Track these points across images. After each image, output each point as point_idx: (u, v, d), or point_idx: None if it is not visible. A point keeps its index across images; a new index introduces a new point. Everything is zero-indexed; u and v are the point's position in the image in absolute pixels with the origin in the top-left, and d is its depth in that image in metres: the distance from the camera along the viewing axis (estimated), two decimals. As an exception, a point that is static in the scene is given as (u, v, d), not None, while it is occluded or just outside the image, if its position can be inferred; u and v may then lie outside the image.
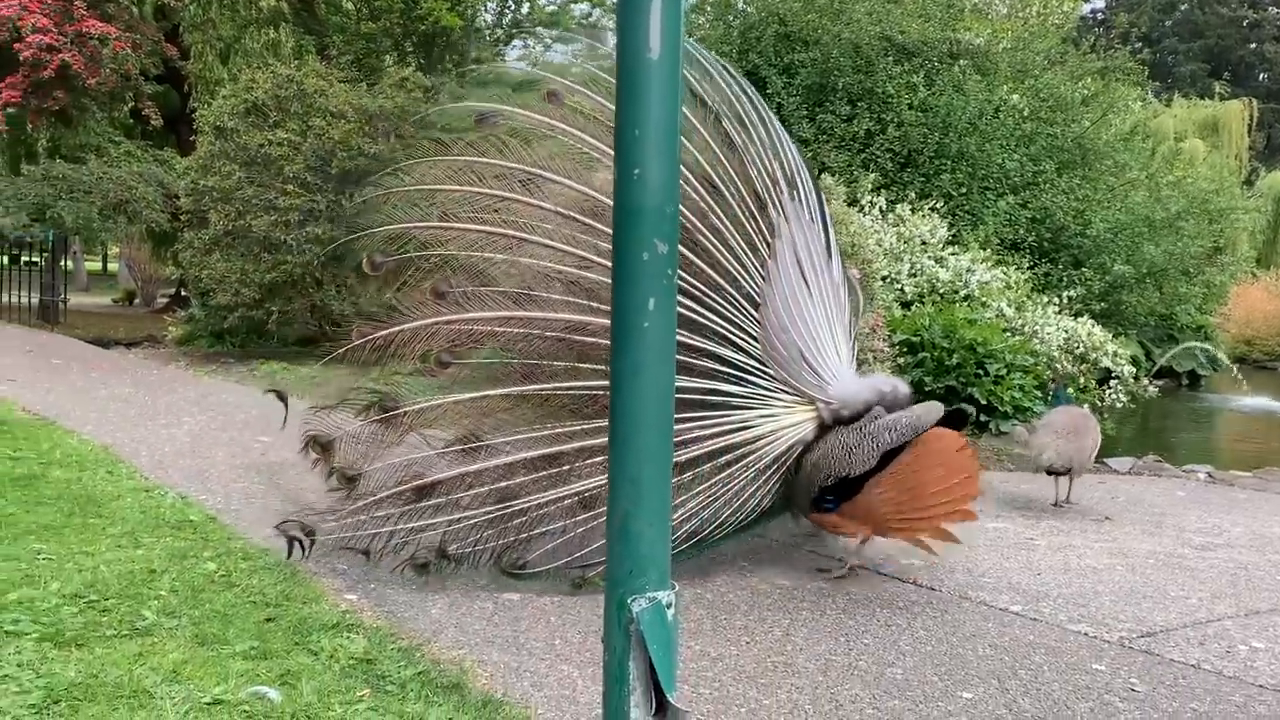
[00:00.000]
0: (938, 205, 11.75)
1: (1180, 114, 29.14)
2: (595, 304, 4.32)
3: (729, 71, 5.02)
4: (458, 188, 4.58)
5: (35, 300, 19.33)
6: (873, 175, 12.19)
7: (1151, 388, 10.52)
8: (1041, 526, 5.92)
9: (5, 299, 20.27)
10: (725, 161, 4.71)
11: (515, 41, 22.31)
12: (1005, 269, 10.98)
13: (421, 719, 2.97)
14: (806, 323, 4.58)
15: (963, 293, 10.19)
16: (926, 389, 8.25)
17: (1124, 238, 13.48)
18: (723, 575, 4.64)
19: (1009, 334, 9.42)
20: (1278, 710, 3.37)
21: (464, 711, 3.05)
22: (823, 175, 11.21)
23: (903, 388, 4.60)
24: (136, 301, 25.92)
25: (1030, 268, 12.33)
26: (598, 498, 4.22)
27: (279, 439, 7.55)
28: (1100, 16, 44.07)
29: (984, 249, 11.40)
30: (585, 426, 4.29)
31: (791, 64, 13.80)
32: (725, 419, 4.43)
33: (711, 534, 4.49)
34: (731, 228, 4.61)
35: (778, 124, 5.02)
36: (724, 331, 4.50)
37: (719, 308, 4.51)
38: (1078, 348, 9.82)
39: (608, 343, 1.81)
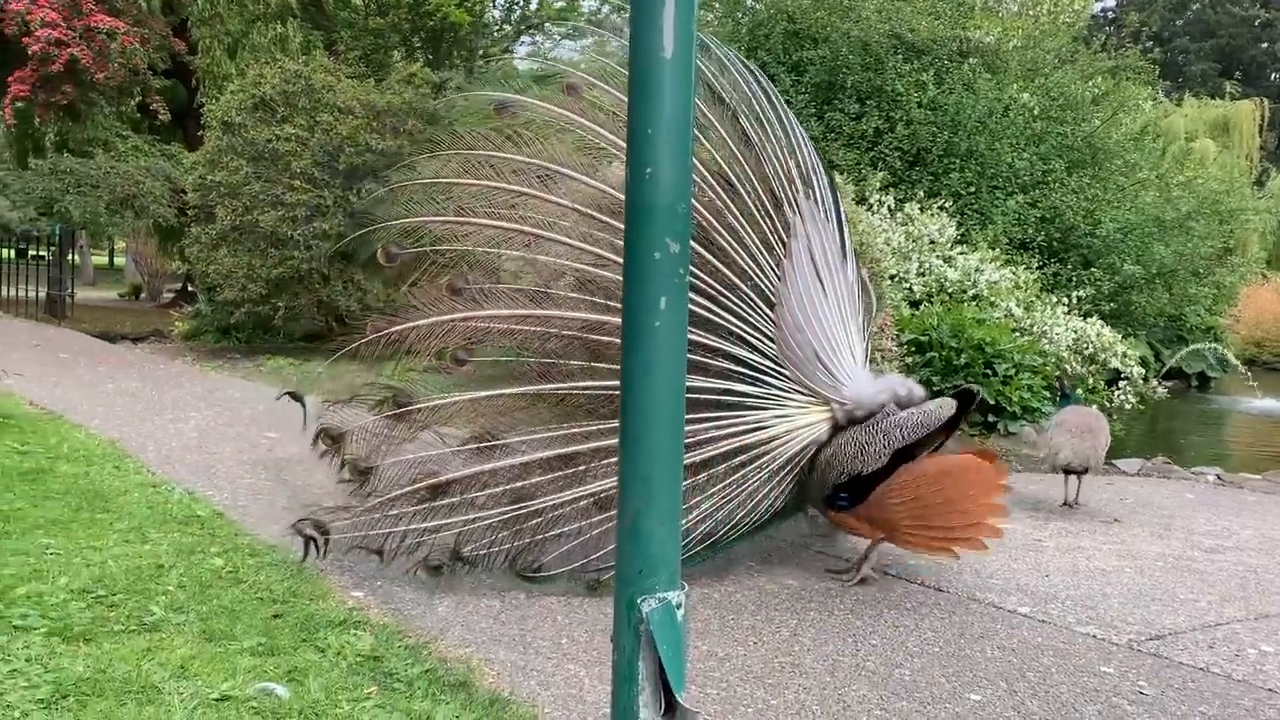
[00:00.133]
0: (946, 204, 11.71)
1: (1191, 114, 29.02)
2: (612, 303, 4.28)
3: (747, 66, 4.99)
4: (475, 182, 4.54)
5: (42, 294, 19.37)
6: (881, 174, 12.16)
7: (1160, 389, 10.49)
8: (1050, 528, 5.90)
9: (12, 293, 20.34)
10: (742, 159, 4.69)
11: (523, 37, 22.32)
12: (1014, 268, 10.95)
13: (429, 717, 2.97)
14: (821, 323, 4.55)
15: (971, 292, 10.16)
16: (934, 389, 8.21)
17: (1134, 238, 13.43)
18: (730, 575, 4.63)
19: (1018, 334, 9.40)
20: (1288, 715, 3.35)
21: (471, 709, 3.04)
22: (831, 173, 11.18)
23: (917, 390, 4.58)
24: (142, 296, 25.96)
25: (1039, 267, 12.29)
26: (613, 499, 4.20)
27: (286, 435, 7.57)
28: (1111, 15, 43.90)
29: (993, 248, 11.36)
30: (601, 426, 4.26)
31: (800, 61, 13.77)
32: (740, 419, 4.41)
33: (726, 535, 4.47)
34: (747, 226, 4.59)
35: (794, 121, 4.98)
36: (739, 331, 4.47)
37: (734, 307, 4.49)
38: (1087, 348, 9.78)
39: (623, 342, 1.80)
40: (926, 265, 10.31)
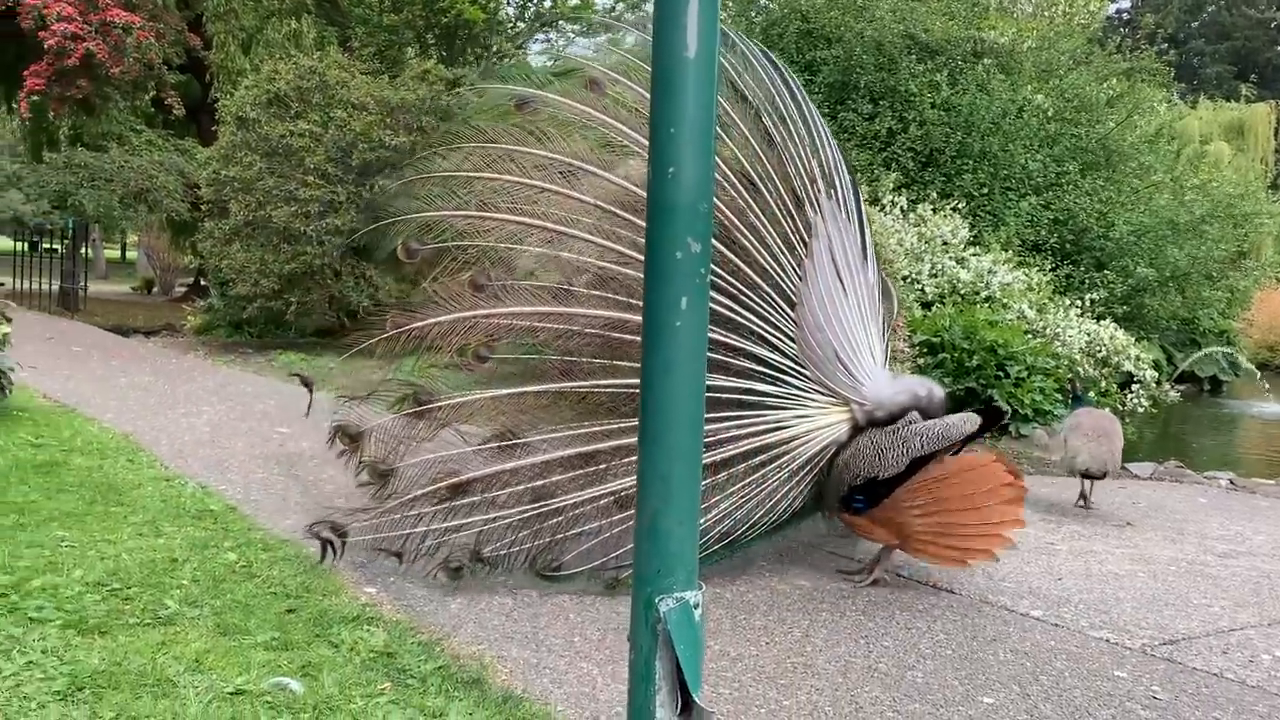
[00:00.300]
0: (959, 205, 11.68)
1: (1206, 116, 28.87)
2: (634, 301, 4.27)
3: (771, 61, 4.96)
4: (497, 176, 4.51)
5: (55, 287, 19.46)
6: (894, 174, 12.14)
7: (1173, 393, 10.44)
8: (1062, 531, 5.88)
9: (25, 286, 20.43)
10: (764, 158, 4.67)
11: (537, 35, 22.33)
12: (1027, 270, 10.91)
13: (443, 713, 2.97)
14: (842, 323, 4.54)
15: (984, 294, 10.13)
16: (946, 391, 8.20)
17: (1147, 240, 13.38)
18: (742, 575, 4.62)
19: (1030, 336, 9.36)
20: (1303, 722, 3.34)
21: (485, 707, 3.05)
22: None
23: (938, 391, 4.56)
24: (155, 290, 26.05)
25: (1052, 269, 12.25)
26: (633, 498, 4.19)
27: (298, 430, 7.60)
28: (1126, 17, 43.72)
29: (1005, 250, 11.32)
30: (622, 425, 4.26)
31: (813, 61, 13.74)
32: (760, 419, 4.40)
33: (744, 535, 4.46)
34: (769, 226, 4.58)
35: (819, 119, 4.95)
36: (760, 330, 4.47)
37: (755, 306, 4.48)
38: (1100, 351, 9.75)
39: (646, 341, 1.80)
40: (939, 266, 10.28)
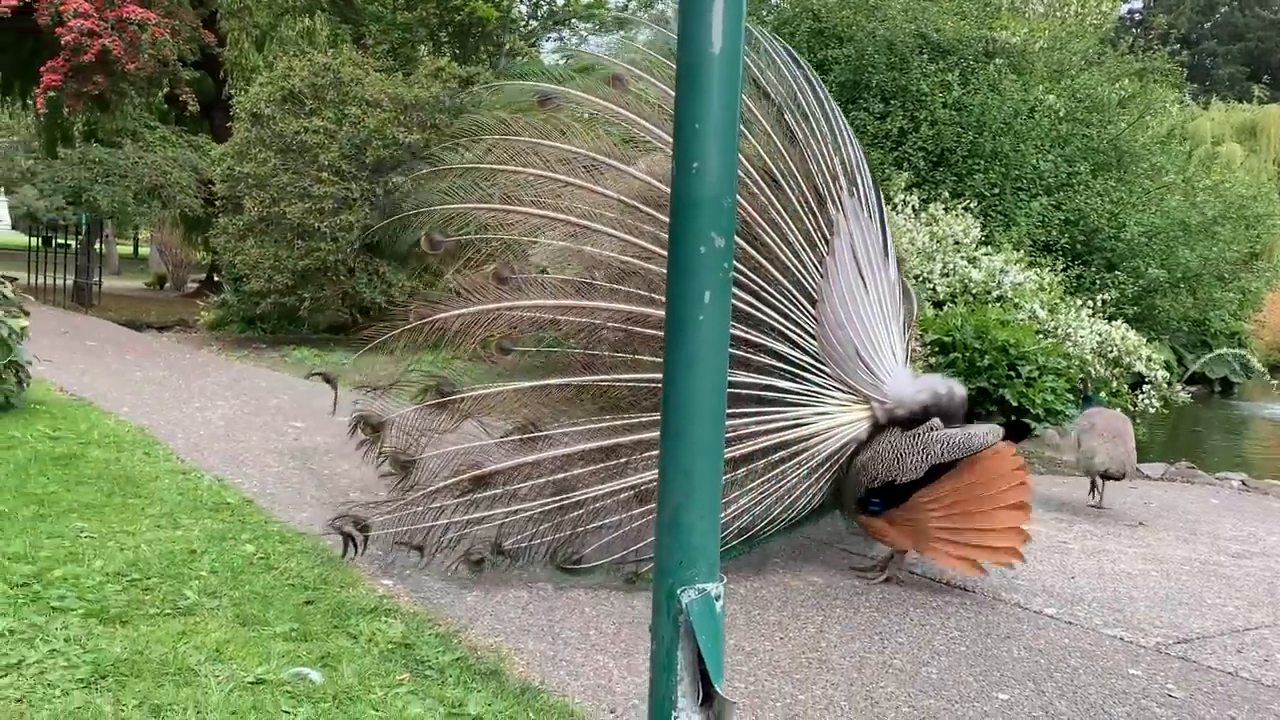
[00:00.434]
0: (970, 205, 11.67)
1: (1218, 117, 28.79)
2: (656, 295, 4.28)
3: (794, 58, 4.97)
4: (521, 170, 4.52)
5: (68, 282, 19.55)
6: (905, 174, 12.13)
7: (1183, 394, 10.42)
8: (1074, 530, 5.89)
9: (39, 281, 20.53)
10: (786, 155, 4.68)
11: (550, 33, 22.37)
12: (1038, 271, 10.90)
13: (461, 704, 3.00)
14: (863, 321, 4.55)
15: (995, 293, 10.11)
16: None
17: (1159, 242, 13.34)
18: (756, 571, 4.64)
19: (1042, 336, 9.35)
20: (1318, 720, 3.35)
21: (503, 698, 3.07)
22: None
23: (959, 390, 4.56)
24: (167, 286, 26.17)
25: (1063, 270, 12.24)
26: (654, 492, 4.21)
27: (312, 425, 7.64)
28: (1138, 17, 43.60)
29: (1017, 250, 11.31)
30: (643, 419, 4.27)
31: (825, 60, 13.74)
32: (780, 415, 4.41)
33: (763, 530, 4.47)
34: (791, 223, 4.59)
35: (840, 116, 4.96)
36: (781, 327, 4.48)
37: (777, 303, 4.49)
38: (1111, 351, 9.73)
39: (669, 336, 1.81)
40: (951, 266, 10.28)
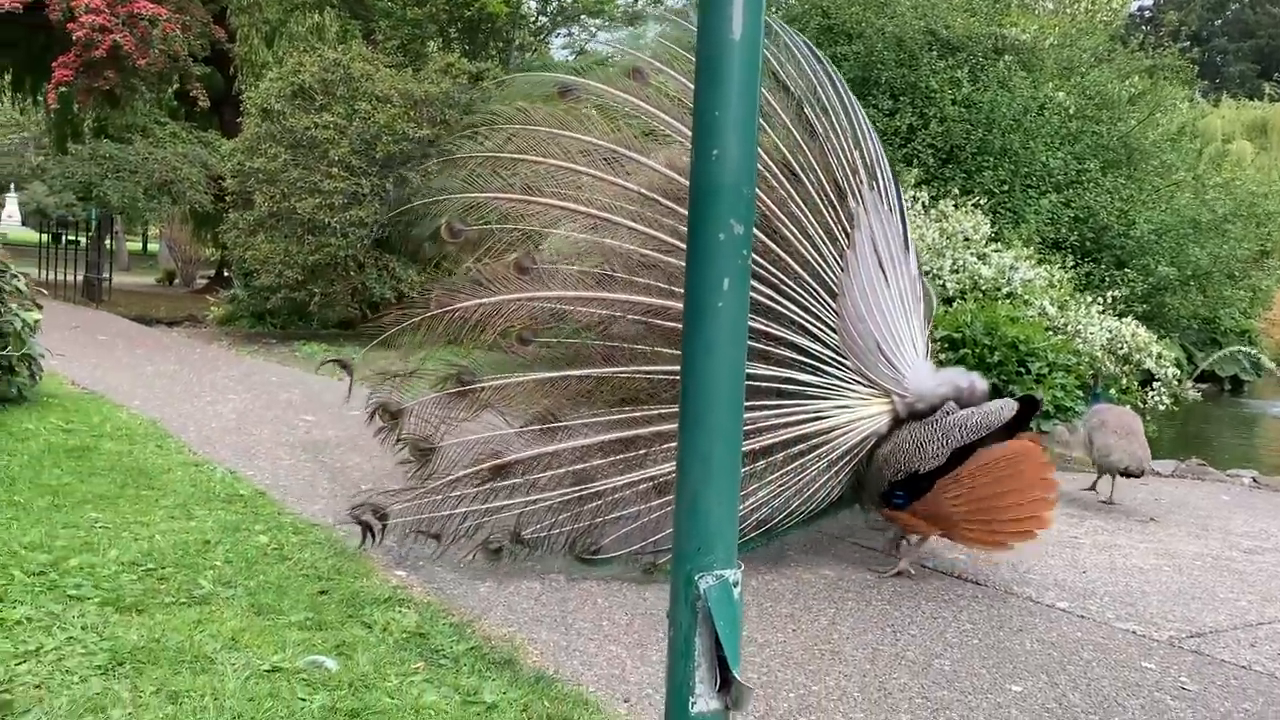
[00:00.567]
0: (980, 202, 11.65)
1: (1228, 115, 28.69)
2: (675, 288, 4.27)
3: (813, 53, 4.97)
4: (542, 160, 4.51)
5: (78, 278, 19.62)
6: (915, 171, 12.11)
7: (1193, 392, 10.39)
8: (1085, 526, 5.88)
9: (49, 276, 20.60)
10: (806, 149, 4.68)
11: (560, 29, 22.38)
12: (1048, 267, 10.88)
13: (476, 692, 3.01)
14: (884, 314, 4.55)
15: (1005, 290, 10.10)
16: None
17: (1168, 239, 13.30)
18: (768, 565, 4.64)
19: (1051, 333, 9.33)
20: (1332, 713, 3.34)
21: (517, 686, 3.09)
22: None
23: (980, 383, 4.55)
24: (176, 282, 26.23)
25: (1072, 267, 12.21)
26: (672, 484, 4.22)
27: (323, 418, 7.67)
28: (1149, 14, 43.46)
29: (1026, 246, 11.29)
30: (662, 411, 4.28)
31: (834, 56, 13.70)
32: (801, 408, 4.42)
33: (781, 523, 4.49)
34: (811, 217, 4.59)
35: (859, 110, 4.96)
36: (802, 320, 4.48)
37: (797, 296, 4.49)
38: (1121, 348, 9.71)
39: (688, 328, 1.82)
40: (960, 262, 10.26)
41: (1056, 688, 3.40)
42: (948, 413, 4.38)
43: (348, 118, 12.23)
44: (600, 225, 4.50)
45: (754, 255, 4.55)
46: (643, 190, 4.44)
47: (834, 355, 4.49)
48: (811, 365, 4.47)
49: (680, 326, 4.79)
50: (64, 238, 21.66)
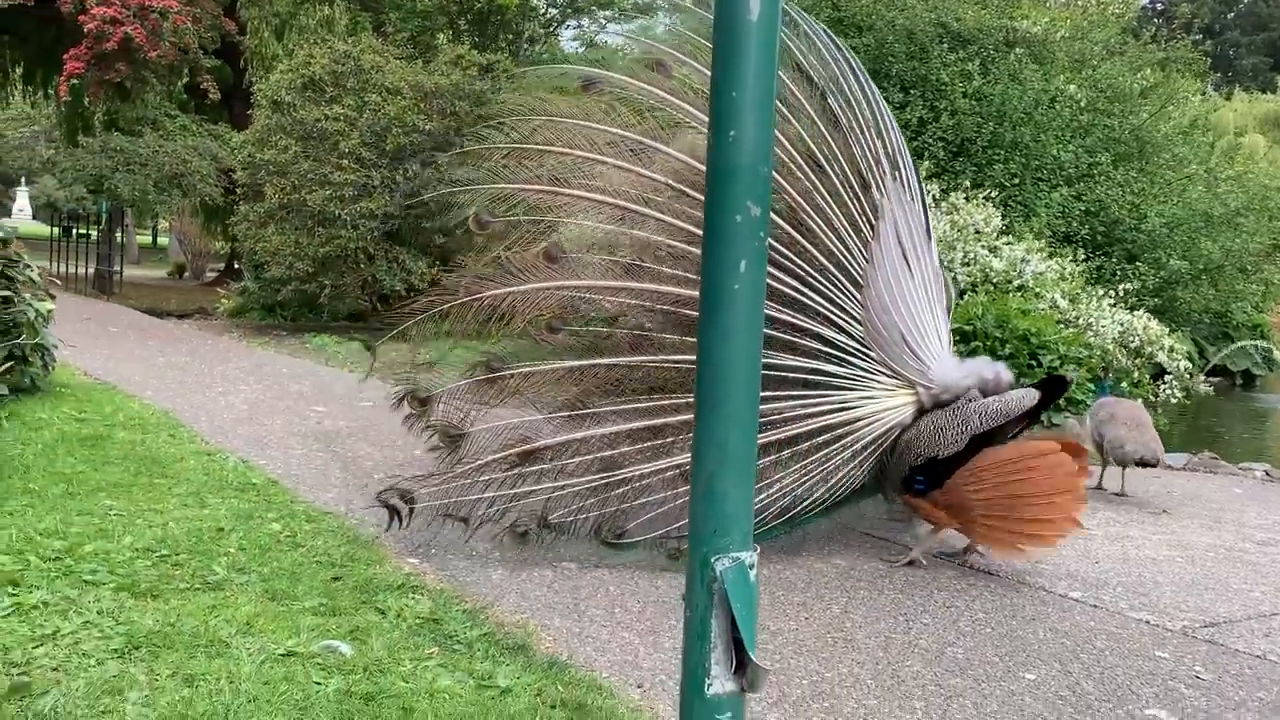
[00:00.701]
0: (991, 195, 11.62)
1: (1241, 108, 28.56)
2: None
3: (835, 43, 4.95)
4: (568, 151, 4.50)
5: (89, 271, 19.70)
6: (925, 164, 12.07)
7: (1204, 385, 10.35)
8: (1098, 517, 5.85)
9: (61, 269, 20.68)
10: (830, 139, 4.67)
11: (569, 21, 22.35)
12: (1060, 260, 10.84)
13: (491, 676, 3.02)
14: (909, 305, 4.54)
15: (1016, 283, 10.07)
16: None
17: (1180, 233, 13.24)
18: (779, 553, 4.64)
19: (1063, 325, 9.30)
20: (1347, 703, 3.33)
21: (531, 671, 3.09)
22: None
23: (1005, 374, 4.54)
24: (186, 275, 26.30)
25: (1083, 261, 12.16)
26: None
27: (334, 409, 7.69)
28: (1160, 6, 43.20)
29: (1038, 239, 11.25)
30: (689, 400, 4.28)
31: (844, 49, 13.68)
32: (826, 399, 4.43)
33: (803, 511, 4.50)
34: (835, 208, 4.58)
35: (881, 101, 4.95)
36: (827, 312, 4.48)
37: (822, 288, 4.49)
38: (1133, 341, 9.68)
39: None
40: (971, 255, 10.23)
41: (1070, 676, 3.40)
42: (969, 399, 4.37)
43: (358, 110, 12.24)
44: (628, 216, 4.49)
45: (780, 247, 4.57)
46: (670, 181, 4.44)
47: (859, 346, 4.49)
48: (837, 356, 4.47)
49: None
50: (74, 231, 21.76)
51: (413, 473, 4.53)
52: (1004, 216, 11.49)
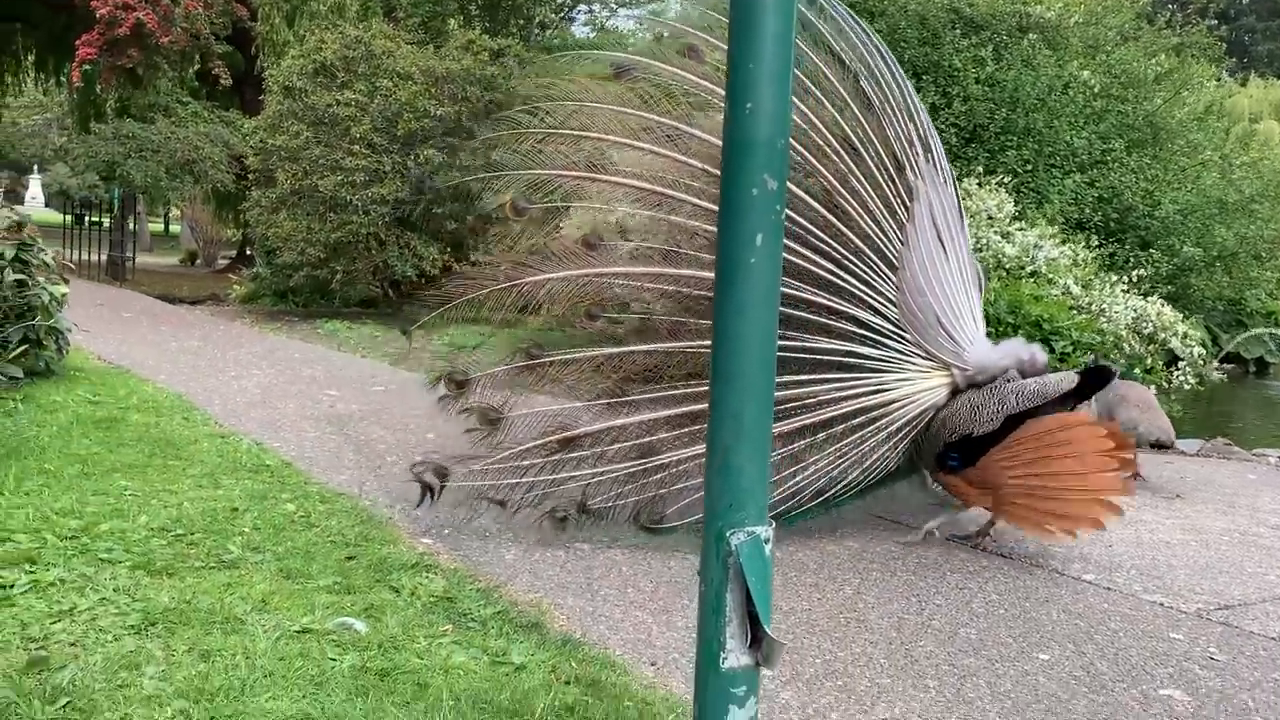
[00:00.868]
0: (1004, 181, 11.56)
1: (1256, 94, 28.33)
2: None
3: (862, 27, 4.93)
4: (604, 136, 4.47)
5: (101, 258, 19.77)
6: (938, 150, 12.01)
7: (1217, 373, 10.30)
8: (1110, 501, 5.84)
9: (73, 256, 20.75)
10: (864, 122, 4.64)
11: (581, 6, 22.29)
12: (1073, 246, 10.80)
13: (504, 654, 3.03)
14: (943, 287, 4.53)
15: (1029, 269, 10.03)
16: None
17: (1194, 219, 13.17)
18: (791, 535, 4.63)
19: (1075, 312, 9.27)
20: (1362, 684, 3.32)
21: (545, 648, 3.10)
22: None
23: (1040, 355, 4.54)
24: (198, 262, 26.38)
25: (1096, 248, 12.10)
26: None
27: (346, 393, 7.71)
28: (1174, -7, 42.85)
29: (1051, 225, 11.20)
30: None
31: (857, 35, 13.61)
32: (861, 382, 4.43)
33: (838, 493, 4.52)
34: (870, 190, 4.56)
35: (908, 83, 4.93)
36: (862, 294, 4.47)
37: (858, 270, 4.48)
38: (1146, 327, 9.64)
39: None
40: (984, 241, 10.19)
41: (1084, 656, 3.39)
42: (1008, 379, 4.38)
43: (369, 95, 12.23)
44: (664, 201, 4.46)
45: (816, 230, 4.55)
46: (706, 167, 4.41)
47: (894, 329, 4.48)
48: (872, 339, 4.46)
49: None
50: (87, 219, 21.82)
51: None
52: (1016, 203, 11.44)
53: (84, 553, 3.66)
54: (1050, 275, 10.01)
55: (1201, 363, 9.87)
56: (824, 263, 4.43)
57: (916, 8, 13.42)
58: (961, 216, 4.80)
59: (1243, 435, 9.99)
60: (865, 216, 4.53)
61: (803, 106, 4.50)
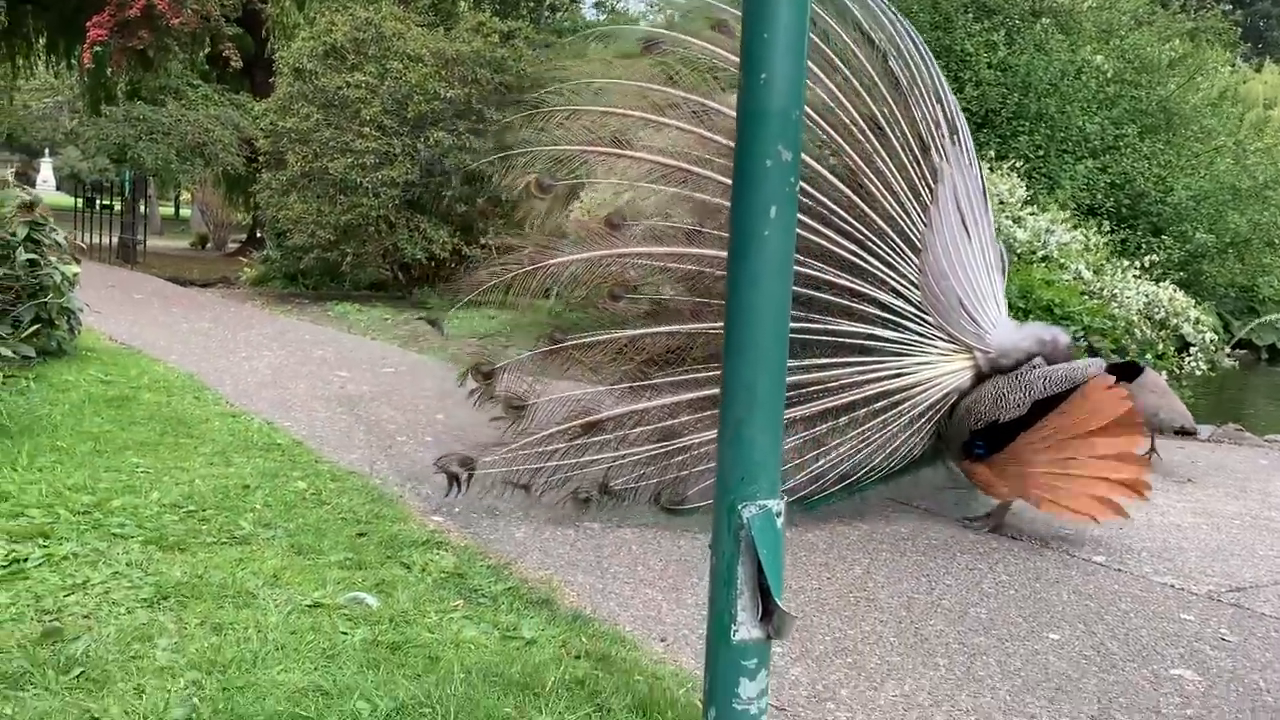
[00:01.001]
0: (1016, 166, 11.50)
1: (1271, 80, 28.09)
2: None
3: (890, 8, 4.90)
4: (629, 113, 4.42)
5: (112, 241, 19.82)
6: (950, 134, 11.95)
7: (1229, 359, 10.25)
8: (1121, 485, 5.83)
9: (85, 238, 20.80)
10: (891, 102, 4.59)
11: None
12: (1085, 231, 10.74)
13: (515, 629, 3.04)
14: (967, 270, 4.50)
15: (1040, 254, 9.98)
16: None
17: (1207, 206, 13.08)
18: (801, 515, 4.63)
19: (1087, 297, 9.23)
20: (1374, 666, 3.31)
21: (555, 624, 3.11)
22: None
23: (1063, 338, 4.53)
24: (208, 246, 26.42)
25: (1108, 234, 12.04)
26: None
27: (357, 374, 7.73)
28: (1188, -21, 42.48)
29: (1062, 210, 11.14)
30: None
31: (869, 18, 13.53)
32: (883, 365, 4.42)
33: (862, 478, 4.51)
34: (895, 171, 4.53)
35: (935, 63, 4.88)
36: (885, 277, 4.45)
37: (881, 252, 4.45)
38: (1158, 313, 9.59)
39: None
40: (996, 226, 10.13)
41: (1094, 636, 3.39)
42: (1034, 365, 4.37)
43: (379, 77, 12.20)
44: (690, 179, 4.43)
45: (839, 210, 4.52)
46: (732, 144, 4.36)
47: (917, 311, 4.46)
48: (894, 321, 4.44)
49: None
50: (98, 202, 21.87)
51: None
52: (1028, 188, 11.38)
53: (97, 528, 3.68)
54: (1062, 260, 9.95)
55: (1213, 348, 9.82)
56: (847, 244, 4.40)
57: (929, -9, 13.35)
58: (986, 199, 4.76)
59: (1255, 421, 9.95)
60: (889, 197, 4.49)
61: (829, 83, 4.46)
